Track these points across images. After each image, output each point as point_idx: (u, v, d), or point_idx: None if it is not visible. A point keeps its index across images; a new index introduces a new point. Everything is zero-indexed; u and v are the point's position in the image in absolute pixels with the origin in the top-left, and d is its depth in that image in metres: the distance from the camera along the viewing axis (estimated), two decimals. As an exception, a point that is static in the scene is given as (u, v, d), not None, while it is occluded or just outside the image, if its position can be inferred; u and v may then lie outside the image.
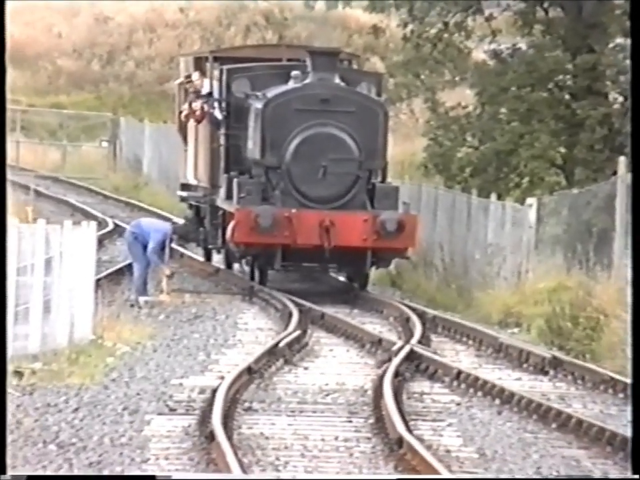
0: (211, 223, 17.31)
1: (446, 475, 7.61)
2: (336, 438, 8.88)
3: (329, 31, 33.53)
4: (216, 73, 17.06)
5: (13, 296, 11.03)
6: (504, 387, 10.41)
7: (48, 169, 29.25)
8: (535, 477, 8.07)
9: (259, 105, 15.98)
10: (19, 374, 10.39)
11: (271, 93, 16.02)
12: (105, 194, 28.02)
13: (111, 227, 22.16)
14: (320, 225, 15.46)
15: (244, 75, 16.59)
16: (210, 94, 17.17)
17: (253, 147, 16.12)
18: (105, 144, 31.13)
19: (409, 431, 8.69)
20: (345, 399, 10.16)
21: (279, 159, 15.83)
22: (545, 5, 20.63)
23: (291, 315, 13.93)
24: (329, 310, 14.65)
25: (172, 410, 9.54)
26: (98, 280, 14.08)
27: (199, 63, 17.96)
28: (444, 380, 11.07)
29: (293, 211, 15.58)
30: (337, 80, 16.02)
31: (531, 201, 15.95)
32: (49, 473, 7.75)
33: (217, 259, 18.50)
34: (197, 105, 17.28)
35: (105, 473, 7.82)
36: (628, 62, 19.04)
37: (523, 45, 20.63)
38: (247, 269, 16.72)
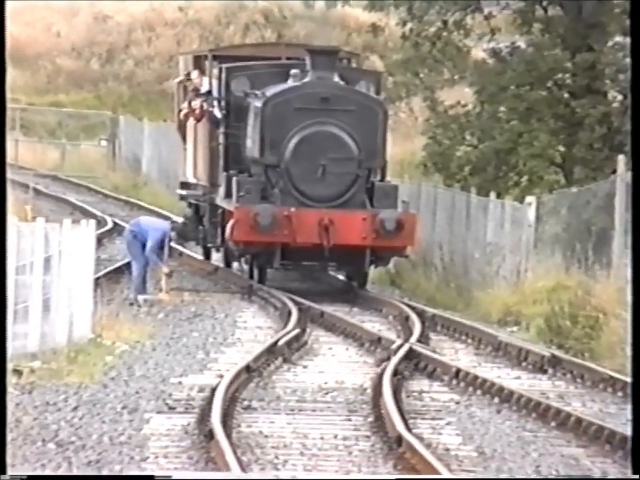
0: (210, 222, 17.30)
1: (445, 473, 7.61)
2: (335, 436, 8.88)
3: (328, 30, 33.53)
4: (215, 71, 17.05)
5: (12, 295, 11.03)
6: (503, 386, 10.41)
7: (47, 168, 29.27)
8: (534, 476, 8.07)
9: (258, 103, 15.97)
10: (18, 372, 10.39)
11: (270, 91, 16.01)
12: (104, 193, 28.01)
13: (110, 225, 22.15)
14: (319, 223, 15.46)
15: (243, 73, 16.58)
16: (209, 92, 17.16)
17: (252, 146, 16.12)
18: (104, 143, 31.14)
19: (408, 429, 8.69)
20: (344, 397, 10.16)
21: (278, 158, 15.82)
22: (544, 3, 20.62)
23: (290, 313, 13.92)
24: (328, 308, 14.65)
25: (171, 408, 9.54)
26: (97, 279, 14.08)
27: (198, 62, 17.95)
28: (443, 378, 11.07)
29: (292, 209, 15.57)
30: (336, 79, 16.01)
31: (530, 199, 15.95)
32: (48, 471, 7.76)
33: (216, 258, 18.49)
34: (196, 103, 17.27)
35: (104, 471, 7.82)
36: (627, 60, 19.04)
37: (522, 44, 20.63)
38: (246, 267, 16.72)
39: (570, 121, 19.99)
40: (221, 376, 10.35)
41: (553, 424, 9.42)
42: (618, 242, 13.82)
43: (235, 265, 17.58)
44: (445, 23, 20.41)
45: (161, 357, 11.68)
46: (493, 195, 17.10)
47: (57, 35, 36.92)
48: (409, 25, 20.55)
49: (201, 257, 18.77)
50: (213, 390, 9.65)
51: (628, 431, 8.48)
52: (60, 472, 7.75)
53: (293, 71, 16.09)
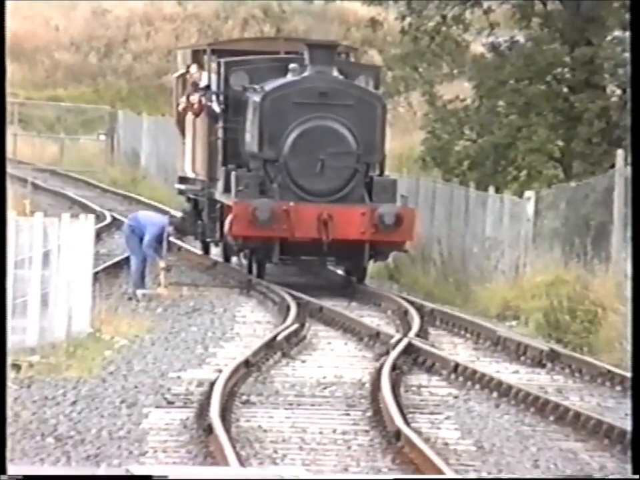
0: (208, 216, 17.29)
1: (443, 467, 7.61)
2: (334, 431, 8.89)
3: (327, 24, 33.49)
4: (214, 66, 17.03)
5: (10, 289, 11.02)
6: (501, 380, 10.42)
7: (46, 162, 29.24)
8: (534, 472, 8.08)
9: (256, 97, 15.96)
10: (16, 367, 10.39)
11: (269, 85, 15.99)
12: (103, 187, 27.99)
13: (108, 220, 22.14)
14: (318, 218, 15.45)
15: (242, 67, 16.56)
16: (208, 87, 17.14)
17: (250, 140, 16.10)
18: (102, 137, 31.11)
19: (407, 423, 8.70)
20: (342, 391, 10.17)
21: (277, 152, 15.81)
22: (543, -2, 20.61)
23: (288, 308, 13.92)
24: (327, 303, 14.65)
25: (170, 403, 9.55)
26: (96, 273, 14.06)
27: (197, 56, 17.93)
28: (442, 373, 11.08)
29: (291, 204, 15.56)
30: (335, 73, 15.99)
31: (529, 194, 15.95)
32: (46, 465, 7.75)
33: (215, 252, 18.48)
34: (194, 98, 17.25)
35: (103, 465, 7.82)
36: (626, 55, 19.03)
37: (521, 38, 20.61)
38: (244, 262, 16.71)
39: (569, 116, 19.98)
40: (220, 370, 10.35)
41: (551, 418, 9.43)
42: (617, 236, 13.82)
43: (234, 259, 17.57)
44: (443, 17, 20.39)
45: (159, 352, 11.68)
46: (491, 189, 17.10)
47: (56, 29, 36.88)
48: (408, 20, 20.53)
49: (199, 252, 18.76)
50: (212, 384, 9.66)
51: (626, 425, 8.49)
52: (59, 466, 7.75)
53: (292, 66, 16.07)
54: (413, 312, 13.86)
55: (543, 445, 8.71)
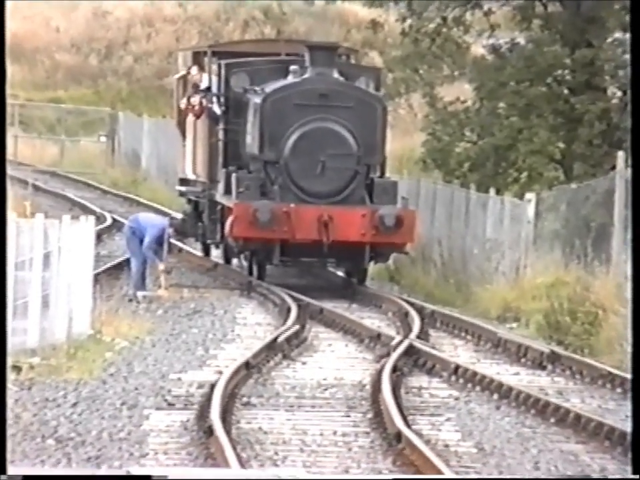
0: (209, 218, 17.30)
1: (444, 469, 7.61)
2: (334, 433, 8.89)
3: (328, 26, 33.50)
4: (214, 67, 17.04)
5: (11, 291, 11.02)
6: (502, 382, 10.42)
7: (46, 164, 29.25)
8: (534, 473, 8.07)
9: (257, 99, 15.97)
10: (17, 368, 10.39)
11: (270, 87, 16.00)
12: (104, 189, 27.99)
13: (109, 221, 22.14)
14: (318, 220, 15.45)
15: (242, 69, 16.57)
16: (208, 88, 17.15)
17: (251, 142, 16.11)
18: (103, 139, 31.12)
19: (408, 425, 8.70)
20: (343, 393, 10.17)
21: (278, 154, 15.82)
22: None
23: (289, 309, 13.93)
24: (328, 305, 14.65)
25: (170, 405, 9.55)
26: (96, 275, 14.07)
27: (198, 58, 17.94)
28: (442, 375, 11.08)
29: (292, 205, 15.57)
30: (336, 75, 16.00)
31: (529, 196, 15.95)
32: (47, 467, 7.75)
33: (216, 254, 18.49)
34: (195, 99, 17.26)
35: (104, 467, 7.82)
36: (626, 56, 19.03)
37: (521, 40, 20.62)
38: (245, 263, 16.71)
39: (569, 117, 19.99)
40: (220, 372, 10.36)
41: (552, 420, 9.42)
42: (617, 238, 13.81)
43: (235, 261, 17.58)
44: (444, 19, 20.39)
45: (160, 353, 11.68)
46: (492, 191, 17.10)
47: (56, 30, 36.88)
48: (409, 21, 20.53)
49: (200, 253, 18.76)
50: (212, 386, 9.66)
51: (627, 427, 8.48)
52: (59, 467, 7.75)
53: (293, 67, 16.08)
54: (413, 313, 13.86)
55: (543, 447, 8.71)
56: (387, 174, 16.72)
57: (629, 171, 10.60)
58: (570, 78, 20.27)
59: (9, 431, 8.35)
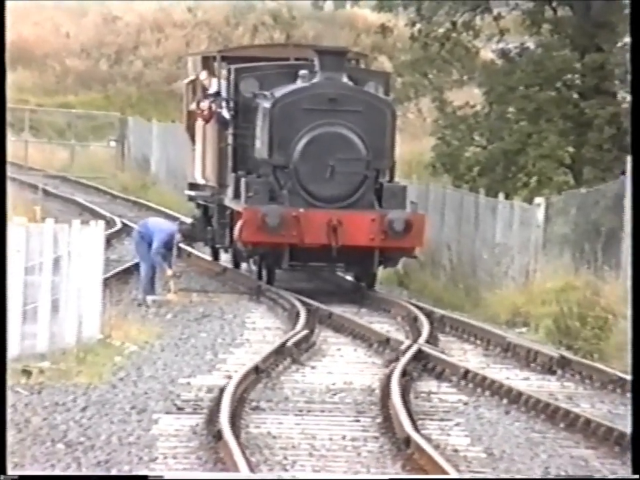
0: (218, 222, 17.31)
1: (454, 474, 7.60)
2: (343, 437, 8.88)
3: (337, 31, 33.52)
4: (224, 72, 17.06)
5: (21, 295, 11.05)
6: (512, 387, 10.40)
7: (56, 169, 29.30)
8: (537, 477, 8.05)
9: (266, 104, 15.98)
10: (27, 373, 10.41)
11: (279, 92, 16.02)
12: (113, 193, 28.04)
13: (119, 226, 22.17)
14: (327, 224, 15.45)
15: (252, 74, 16.59)
16: (218, 93, 17.17)
17: (260, 147, 16.12)
18: (113, 143, 31.17)
19: (417, 430, 8.69)
20: (352, 398, 10.16)
21: (287, 159, 15.83)
22: (554, 4, 20.59)
23: (298, 314, 13.92)
24: (337, 309, 14.64)
25: (180, 409, 9.55)
26: (106, 279, 14.09)
27: (207, 63, 17.96)
28: (451, 379, 11.06)
29: (301, 210, 15.57)
30: (345, 79, 16.01)
31: (539, 200, 15.93)
32: (57, 471, 7.77)
33: (225, 258, 18.50)
34: (204, 104, 17.28)
35: (113, 471, 7.83)
36: (636, 61, 18.95)
37: (531, 44, 20.60)
38: (254, 268, 16.72)
39: (579, 122, 19.95)
40: (230, 377, 10.36)
41: (561, 425, 9.40)
42: (627, 243, 13.78)
43: (244, 265, 17.58)
44: (453, 23, 20.39)
45: (169, 358, 11.69)
46: (501, 195, 17.08)
47: (66, 36, 36.98)
48: (418, 26, 20.53)
49: (209, 258, 18.78)
50: (222, 390, 9.66)
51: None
52: (69, 472, 7.76)
53: (302, 72, 16.09)
54: (422, 318, 13.84)
55: (553, 452, 8.69)
56: (396, 178, 16.70)
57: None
58: (579, 82, 20.24)
59: (19, 436, 8.37)
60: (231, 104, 16.75)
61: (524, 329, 14.24)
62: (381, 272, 16.79)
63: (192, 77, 18.59)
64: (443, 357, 11.75)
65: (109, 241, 19.04)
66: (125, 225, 22.20)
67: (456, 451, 8.61)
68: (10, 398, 9.24)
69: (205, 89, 17.54)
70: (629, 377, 10.80)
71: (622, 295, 13.02)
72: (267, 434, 8.88)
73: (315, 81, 15.95)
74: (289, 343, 12.04)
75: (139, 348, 12.07)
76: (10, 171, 22.44)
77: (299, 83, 16.08)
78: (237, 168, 16.59)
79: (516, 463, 8.38)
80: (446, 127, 20.39)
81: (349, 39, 32.56)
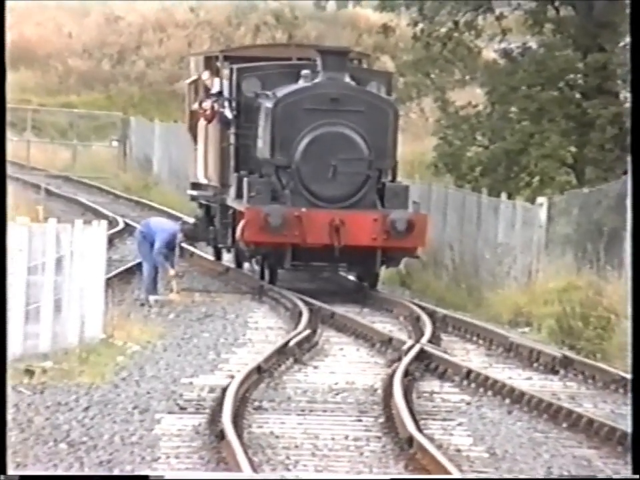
0: (220, 222, 17.31)
1: (456, 474, 7.60)
2: (346, 437, 8.88)
3: (339, 31, 33.52)
4: (226, 72, 17.06)
5: (23, 295, 11.05)
6: (514, 387, 10.40)
7: (58, 169, 29.31)
8: (540, 476, 8.05)
9: (269, 104, 15.98)
10: (29, 372, 10.41)
11: (281, 92, 16.02)
12: (116, 193, 28.04)
13: (121, 225, 22.17)
14: (330, 224, 15.45)
15: (254, 74, 16.58)
16: (220, 93, 17.17)
17: (262, 146, 16.12)
18: (115, 143, 31.16)
19: (419, 430, 8.69)
20: (354, 398, 10.16)
21: (289, 158, 15.83)
22: (556, 3, 20.58)
23: (300, 314, 13.92)
24: (339, 309, 14.64)
25: (182, 409, 9.56)
26: (108, 279, 14.08)
27: (209, 63, 17.97)
28: (454, 379, 11.06)
29: (303, 210, 15.57)
30: (347, 79, 16.01)
31: (541, 200, 15.92)
32: (60, 471, 7.77)
33: (227, 258, 18.50)
34: (207, 104, 17.28)
35: (116, 471, 7.83)
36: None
37: (533, 44, 20.58)
38: (256, 268, 16.72)
39: (581, 122, 19.94)
40: (232, 376, 10.35)
41: (564, 425, 9.40)
42: (629, 242, 13.75)
43: (246, 265, 17.58)
44: (456, 23, 20.38)
45: (171, 358, 11.69)
46: (503, 195, 17.07)
47: (68, 36, 36.99)
48: (420, 26, 20.52)
49: (211, 258, 18.78)
50: (224, 390, 9.65)
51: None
52: (72, 471, 7.77)
53: (304, 72, 16.09)
54: (425, 318, 13.84)
55: (556, 452, 8.69)
56: (399, 178, 16.70)
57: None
58: (582, 82, 20.23)
59: (21, 435, 8.37)
60: (233, 104, 16.75)
61: (526, 329, 14.23)
62: (384, 272, 16.78)
63: (194, 77, 18.59)
64: (446, 356, 11.74)
65: (111, 241, 19.03)
66: (127, 224, 22.20)
67: (458, 450, 8.61)
68: (13, 398, 9.24)
69: (207, 89, 17.54)
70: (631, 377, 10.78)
71: (624, 295, 13.00)
72: (270, 434, 8.88)
73: (317, 80, 15.95)
74: (292, 343, 12.04)
75: (142, 348, 12.07)
76: (12, 171, 22.48)
77: (301, 83, 16.08)
78: (239, 168, 16.58)
79: (518, 463, 8.38)
80: (448, 126, 20.37)
81: (351, 39, 32.55)
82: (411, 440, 8.43)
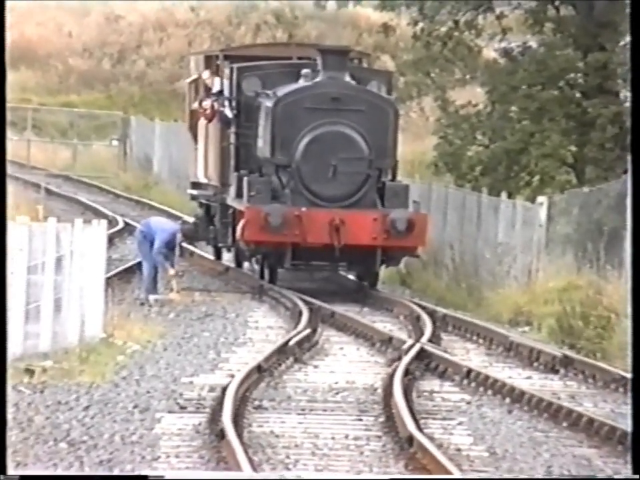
0: (221, 222, 17.31)
1: (456, 474, 7.60)
2: (346, 436, 8.88)
3: (339, 30, 33.52)
4: (226, 71, 17.05)
5: (24, 294, 11.05)
6: (514, 386, 10.40)
7: (59, 168, 29.31)
8: (540, 476, 8.05)
9: (269, 103, 15.98)
10: (30, 372, 10.41)
11: (282, 91, 16.02)
12: (116, 192, 28.05)
13: (121, 225, 22.17)
14: (330, 223, 15.45)
15: (254, 73, 16.58)
16: (220, 92, 17.17)
17: (263, 146, 16.12)
18: (115, 143, 31.16)
19: (419, 429, 8.69)
20: (355, 397, 10.16)
21: (289, 158, 15.83)
22: (556, 3, 20.57)
23: (301, 313, 13.92)
24: (339, 308, 14.64)
25: (182, 408, 9.56)
26: (108, 278, 14.08)
27: (210, 62, 17.97)
28: (454, 378, 11.06)
29: (303, 209, 15.57)
30: (348, 78, 16.01)
31: (541, 199, 15.92)
32: (60, 470, 7.77)
33: (227, 258, 18.51)
34: (207, 103, 17.28)
35: (116, 470, 7.83)
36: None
37: (533, 43, 20.58)
38: (256, 267, 16.72)
39: (581, 121, 19.93)
40: (232, 376, 10.36)
41: (564, 424, 9.40)
42: (629, 242, 13.75)
43: (246, 264, 17.58)
44: (456, 22, 20.37)
45: (172, 357, 11.69)
46: (504, 195, 17.07)
47: (69, 35, 36.99)
48: (420, 25, 20.52)
49: (211, 257, 18.77)
50: (224, 389, 9.66)
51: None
52: (72, 471, 7.77)
53: (304, 71, 16.09)
54: (425, 317, 13.84)
55: (556, 451, 8.69)
56: (399, 177, 16.70)
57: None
58: (582, 81, 20.22)
59: (22, 435, 8.37)
60: (234, 103, 16.75)
61: (526, 328, 14.23)
62: (384, 271, 16.78)
63: (194, 76, 18.59)
64: (446, 356, 11.74)
65: (111, 240, 19.02)
66: (127, 224, 22.19)
67: (459, 450, 8.61)
68: (13, 397, 9.24)
69: (207, 88, 17.54)
70: (631, 376, 10.78)
71: (624, 294, 13.00)
72: (270, 433, 8.88)
73: (317, 80, 15.95)
74: (292, 342, 12.04)
75: (142, 347, 12.07)
76: (12, 170, 22.47)
77: (302, 82, 16.08)
78: (239, 167, 16.58)
79: (518, 462, 8.38)
80: (448, 126, 20.37)
81: (351, 38, 32.55)
82: (411, 439, 8.43)
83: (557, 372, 11.61)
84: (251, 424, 9.11)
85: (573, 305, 13.52)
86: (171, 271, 15.25)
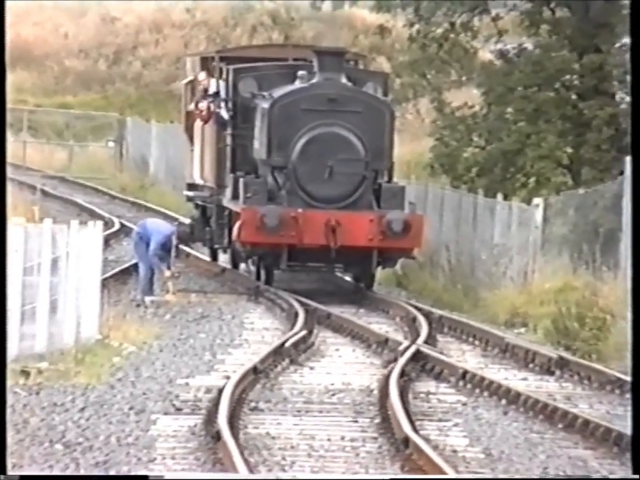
0: (217, 223, 17.31)
1: (452, 475, 7.60)
2: (342, 438, 8.89)
3: (335, 31, 33.54)
4: (222, 72, 17.06)
5: (19, 296, 11.04)
6: (510, 387, 10.41)
7: (55, 169, 29.32)
8: (536, 477, 8.06)
9: (265, 104, 15.99)
10: (25, 373, 10.41)
11: (278, 92, 16.03)
12: (112, 194, 28.04)
13: (117, 226, 22.17)
14: (326, 224, 15.46)
15: (250, 74, 16.59)
16: (216, 94, 17.18)
17: (259, 147, 16.13)
18: (111, 144, 31.18)
19: (415, 430, 8.70)
20: (350, 398, 10.17)
21: (285, 159, 15.84)
22: (552, 4, 20.60)
23: (297, 314, 13.93)
24: (335, 310, 14.65)
25: (178, 410, 9.56)
26: (104, 280, 14.08)
27: (206, 63, 17.97)
28: (450, 380, 11.07)
29: (299, 210, 15.58)
30: (344, 80, 16.02)
31: (537, 201, 15.93)
32: (55, 472, 7.77)
33: (223, 259, 18.51)
34: (203, 105, 17.29)
35: (112, 472, 7.83)
36: (635, 62, 18.96)
37: (529, 45, 20.61)
38: (253, 268, 16.73)
39: (577, 122, 19.96)
40: (228, 377, 10.36)
41: (560, 426, 9.41)
42: (625, 243, 13.79)
43: (242, 266, 17.59)
44: (452, 24, 20.39)
45: (167, 358, 11.69)
46: (500, 196, 17.09)
47: (65, 36, 36.98)
48: (416, 27, 20.54)
49: (208, 258, 18.78)
50: (220, 391, 9.66)
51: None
52: (68, 473, 7.77)
53: (300, 72, 16.09)
54: (421, 319, 13.85)
55: (551, 453, 8.70)
56: (395, 179, 16.72)
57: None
58: (578, 83, 20.25)
59: (17, 436, 8.37)
60: (230, 104, 16.75)
61: (522, 330, 14.25)
62: (380, 272, 16.80)
63: (190, 78, 18.59)
64: (442, 357, 11.75)
65: (107, 242, 19.03)
66: (123, 225, 22.19)
67: (454, 451, 8.62)
68: (9, 399, 9.23)
69: (203, 90, 17.54)
70: (627, 378, 10.81)
71: (620, 296, 13.02)
72: (266, 434, 8.88)
73: (313, 81, 15.96)
74: (288, 344, 12.04)
75: (138, 348, 12.07)
76: (8, 172, 22.44)
77: (298, 84, 16.09)
78: (235, 168, 16.59)
79: (514, 464, 8.39)
80: (444, 127, 20.39)
81: (347, 40, 32.57)
82: (407, 441, 8.44)
83: (552, 373, 11.62)
84: (247, 425, 9.11)
85: (569, 306, 13.53)
86: (167, 273, 15.25)
